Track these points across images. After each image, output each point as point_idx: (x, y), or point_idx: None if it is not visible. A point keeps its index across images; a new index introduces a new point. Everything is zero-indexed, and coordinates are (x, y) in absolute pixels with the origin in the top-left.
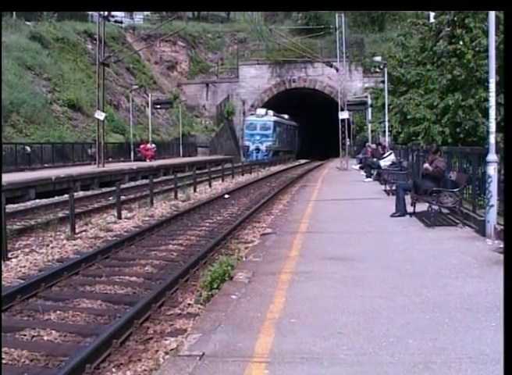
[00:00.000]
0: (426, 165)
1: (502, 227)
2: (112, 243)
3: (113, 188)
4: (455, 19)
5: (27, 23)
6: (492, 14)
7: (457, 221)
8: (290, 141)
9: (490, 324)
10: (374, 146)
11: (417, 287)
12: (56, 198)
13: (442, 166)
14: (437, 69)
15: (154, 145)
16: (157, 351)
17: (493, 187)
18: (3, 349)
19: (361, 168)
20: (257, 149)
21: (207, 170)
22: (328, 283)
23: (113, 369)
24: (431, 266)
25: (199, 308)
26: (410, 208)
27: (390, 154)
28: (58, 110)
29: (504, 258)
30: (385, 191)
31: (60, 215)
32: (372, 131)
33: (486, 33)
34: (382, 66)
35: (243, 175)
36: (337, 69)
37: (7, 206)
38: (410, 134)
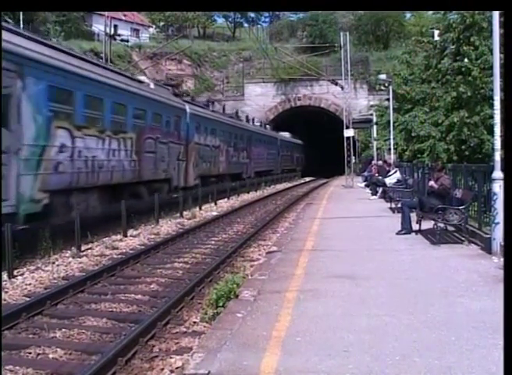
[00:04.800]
0: (431, 182)
1: None
2: (118, 261)
3: None
4: (460, 36)
5: None
6: (496, 31)
7: (463, 239)
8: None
9: (497, 342)
10: (380, 163)
11: (423, 305)
12: None
13: (448, 183)
14: (442, 86)
15: None
16: (162, 369)
17: (499, 205)
18: (8, 367)
19: (367, 186)
20: None
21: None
22: (333, 301)
23: None
24: (437, 284)
25: (204, 327)
26: (415, 226)
27: (395, 172)
28: None
29: (504, 273)
30: (391, 208)
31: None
32: (377, 149)
33: (492, 50)
34: (387, 84)
35: (248, 193)
36: (342, 87)
37: None
38: (415, 152)
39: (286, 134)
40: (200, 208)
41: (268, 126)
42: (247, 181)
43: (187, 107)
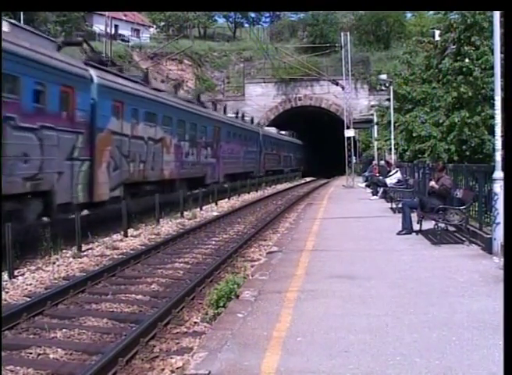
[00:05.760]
0: (432, 183)
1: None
2: (118, 261)
3: None
4: (461, 36)
5: None
6: (497, 31)
7: (464, 239)
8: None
9: (498, 342)
10: (383, 163)
11: (423, 306)
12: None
13: (449, 183)
14: (443, 86)
15: None
16: (163, 369)
17: (500, 205)
18: (9, 367)
19: (367, 186)
20: None
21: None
22: (334, 301)
23: None
24: (437, 284)
25: (205, 327)
26: (416, 226)
27: (396, 172)
28: None
29: (504, 273)
30: (392, 208)
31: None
32: (378, 149)
33: (493, 50)
34: (387, 84)
35: (249, 193)
36: (343, 87)
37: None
38: (416, 152)
39: (272, 129)
40: (200, 209)
41: (246, 117)
42: (213, 187)
43: (93, 73)
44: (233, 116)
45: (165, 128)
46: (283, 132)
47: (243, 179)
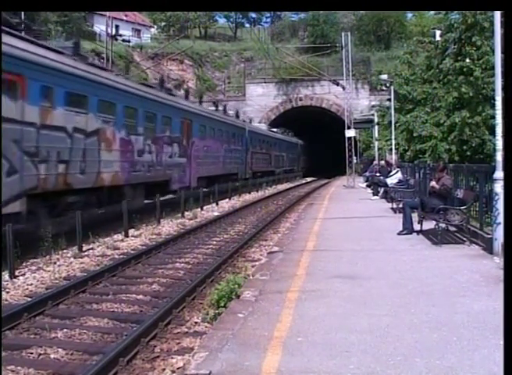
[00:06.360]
0: (433, 183)
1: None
2: (119, 261)
3: None
4: (462, 36)
5: None
6: (497, 31)
7: (464, 239)
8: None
9: (498, 343)
10: (382, 163)
11: (424, 306)
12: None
13: (449, 183)
14: (443, 86)
15: None
16: (164, 369)
17: (500, 205)
18: (10, 367)
19: (368, 186)
20: None
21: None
22: (335, 301)
23: None
24: (438, 284)
25: (206, 327)
26: (417, 226)
27: (397, 172)
28: None
29: (504, 273)
30: (392, 208)
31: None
32: (379, 149)
33: (494, 50)
34: (388, 84)
35: (249, 193)
36: (344, 88)
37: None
38: (416, 152)
39: (261, 126)
40: (201, 209)
41: (231, 111)
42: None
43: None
44: (213, 108)
45: (105, 117)
46: (275, 129)
47: (224, 182)
